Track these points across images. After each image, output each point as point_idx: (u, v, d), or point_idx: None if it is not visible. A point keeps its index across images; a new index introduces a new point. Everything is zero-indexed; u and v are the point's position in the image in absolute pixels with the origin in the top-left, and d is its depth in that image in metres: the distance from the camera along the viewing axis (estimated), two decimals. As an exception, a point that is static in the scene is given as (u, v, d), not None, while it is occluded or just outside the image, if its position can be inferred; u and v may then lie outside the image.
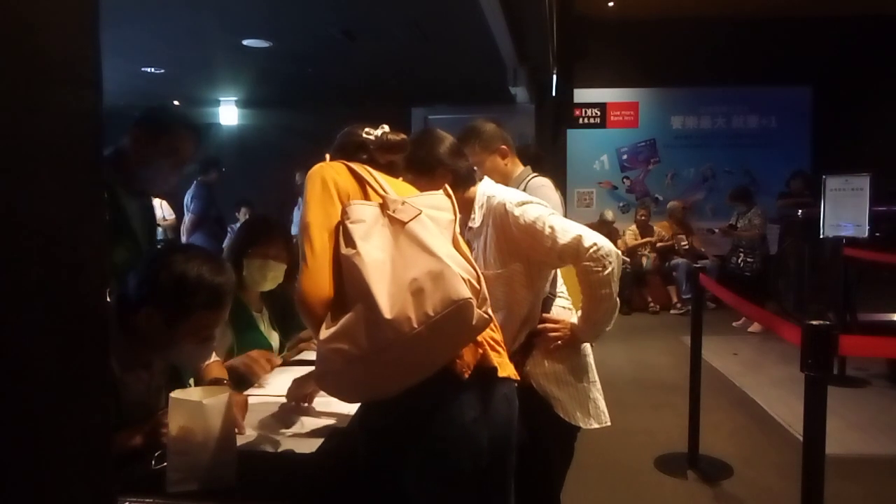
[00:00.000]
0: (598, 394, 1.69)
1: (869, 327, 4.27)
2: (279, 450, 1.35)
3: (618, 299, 1.57)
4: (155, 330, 1.29)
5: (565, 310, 1.71)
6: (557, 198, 2.33)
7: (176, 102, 7.37)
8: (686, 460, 2.85)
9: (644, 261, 6.89)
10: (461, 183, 1.61)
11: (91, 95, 0.53)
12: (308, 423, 1.50)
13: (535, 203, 1.60)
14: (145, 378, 1.39)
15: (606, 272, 1.50)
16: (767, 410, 3.57)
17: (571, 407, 1.63)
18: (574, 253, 1.50)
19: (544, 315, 1.65)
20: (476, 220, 1.63)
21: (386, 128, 1.38)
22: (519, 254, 1.57)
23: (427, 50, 5.04)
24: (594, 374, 1.71)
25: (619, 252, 1.57)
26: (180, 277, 1.28)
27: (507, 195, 1.61)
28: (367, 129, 1.36)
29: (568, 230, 1.51)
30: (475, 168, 1.71)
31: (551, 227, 1.51)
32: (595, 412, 1.66)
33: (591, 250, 1.49)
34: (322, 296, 1.12)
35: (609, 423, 1.68)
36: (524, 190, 2.07)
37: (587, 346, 1.71)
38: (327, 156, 1.36)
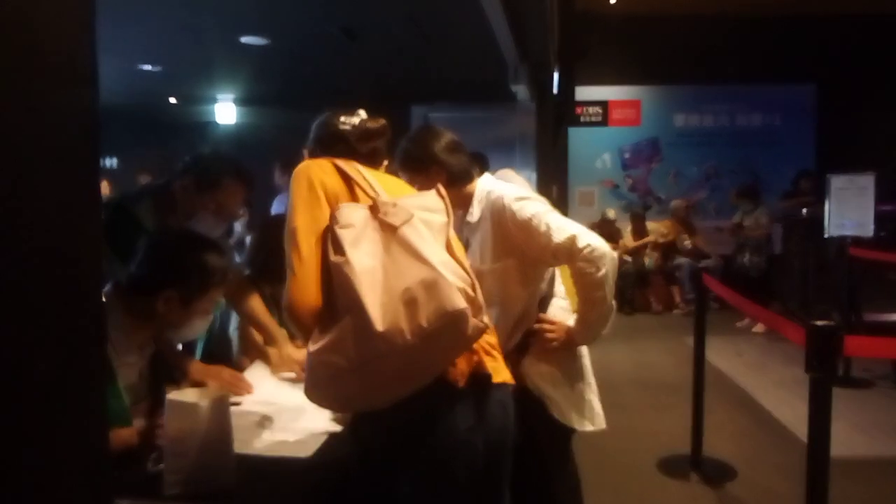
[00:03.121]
0: (593, 396, 1.68)
1: (874, 328, 4.25)
2: (277, 453, 1.35)
3: (613, 303, 1.56)
4: (173, 310, 1.41)
5: (563, 310, 1.70)
6: (525, 184, 2.47)
7: (173, 100, 7.35)
8: (689, 462, 2.83)
9: (646, 261, 6.87)
10: (458, 179, 1.61)
11: (88, 93, 0.53)
12: (306, 426, 1.49)
13: (534, 200, 1.59)
14: (137, 362, 1.45)
15: (600, 274, 1.48)
16: (771, 412, 3.55)
17: (566, 408, 1.62)
18: (568, 252, 1.49)
19: (541, 315, 1.64)
20: (474, 214, 1.63)
21: (363, 114, 1.34)
22: (514, 249, 1.56)
23: (427, 48, 5.02)
24: (590, 377, 1.70)
25: (615, 255, 1.55)
26: (201, 262, 1.42)
27: (506, 190, 1.61)
28: (342, 119, 1.32)
29: (563, 229, 1.50)
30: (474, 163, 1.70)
31: (547, 225, 1.50)
32: (590, 415, 1.65)
33: (586, 251, 1.47)
34: (310, 304, 1.09)
35: (604, 427, 1.67)
36: None
37: (584, 349, 1.70)
38: (305, 151, 1.32)
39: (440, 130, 1.65)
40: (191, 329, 1.51)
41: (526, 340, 1.62)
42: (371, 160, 1.31)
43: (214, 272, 1.44)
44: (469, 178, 1.64)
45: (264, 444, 1.38)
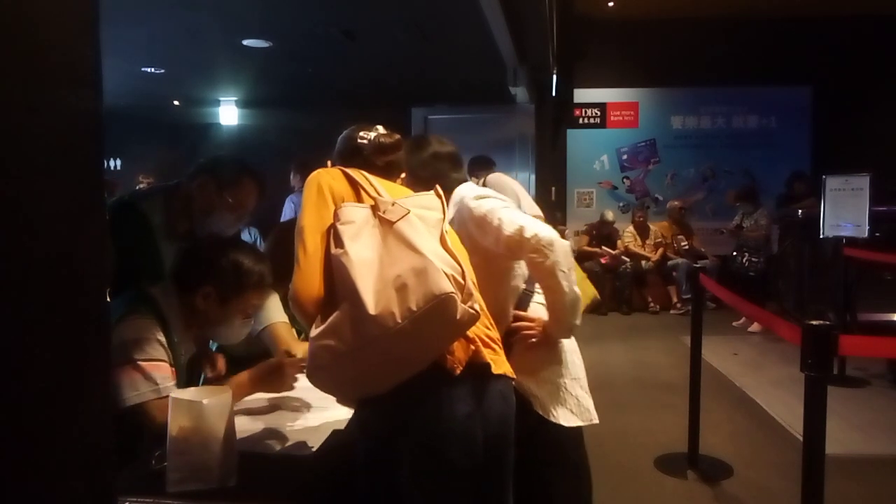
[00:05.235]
0: (581, 391, 1.67)
1: (869, 327, 4.26)
2: (279, 450, 1.36)
3: (576, 290, 1.53)
4: (211, 308, 1.50)
5: (543, 306, 1.68)
6: (515, 184, 2.54)
7: (176, 102, 7.37)
8: (686, 460, 2.85)
9: (643, 261, 6.90)
10: (420, 184, 1.60)
11: (91, 95, 0.54)
12: (308, 423, 1.51)
13: (493, 197, 1.62)
14: (183, 356, 1.54)
15: (548, 262, 1.48)
16: (767, 410, 3.57)
17: (551, 404, 1.61)
18: (517, 244, 1.50)
19: (518, 313, 1.64)
20: (447, 217, 1.66)
21: (380, 129, 1.43)
22: (477, 247, 1.57)
23: (427, 50, 5.03)
24: (578, 372, 1.69)
25: (566, 243, 1.54)
26: (237, 263, 1.50)
27: (467, 191, 1.65)
28: (361, 133, 1.41)
29: (513, 222, 1.51)
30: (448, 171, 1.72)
31: (499, 219, 1.53)
32: (579, 410, 1.64)
33: (532, 241, 1.48)
34: (313, 294, 1.16)
35: (596, 421, 1.66)
36: (483, 185, 2.29)
37: (570, 343, 1.70)
38: (329, 162, 1.41)
39: (425, 142, 1.70)
40: (231, 330, 1.56)
41: (507, 340, 1.61)
42: (387, 173, 1.39)
43: (251, 273, 1.52)
44: (432, 183, 1.68)
45: (267, 441, 1.40)
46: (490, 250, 1.56)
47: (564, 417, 1.62)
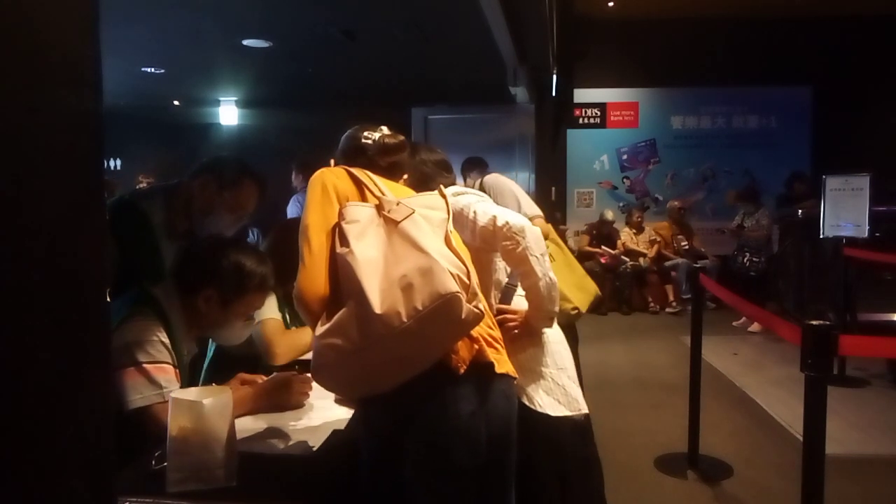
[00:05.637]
0: (568, 381, 1.66)
1: (869, 327, 4.26)
2: (279, 450, 1.36)
3: (551, 276, 1.54)
4: (213, 310, 1.50)
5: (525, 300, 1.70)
6: (513, 185, 2.57)
7: (176, 102, 7.37)
8: (686, 460, 2.85)
9: (641, 260, 6.91)
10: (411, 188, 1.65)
11: (91, 95, 0.53)
12: (308, 423, 1.51)
13: (469, 194, 1.64)
14: (185, 357, 1.54)
15: (520, 249, 1.49)
16: (767, 410, 3.57)
17: (536, 394, 1.61)
18: (491, 233, 1.51)
19: (500, 306, 1.65)
20: None
21: (385, 129, 1.44)
22: None
23: (427, 50, 5.03)
24: (564, 362, 1.69)
25: (538, 230, 1.55)
26: (238, 265, 1.50)
27: (447, 190, 1.65)
28: (365, 133, 1.42)
29: (487, 213, 1.53)
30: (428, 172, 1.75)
31: (474, 213, 1.55)
32: (566, 399, 1.63)
33: (504, 229, 1.50)
34: (318, 293, 1.16)
35: (585, 411, 1.65)
36: (479, 186, 2.30)
37: (554, 334, 1.70)
38: (332, 161, 1.42)
39: (415, 150, 1.71)
40: (232, 332, 1.57)
41: None
42: (390, 173, 1.39)
43: (252, 275, 1.52)
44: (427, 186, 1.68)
45: (268, 441, 1.40)
46: (469, 244, 1.57)
47: (551, 407, 1.61)
